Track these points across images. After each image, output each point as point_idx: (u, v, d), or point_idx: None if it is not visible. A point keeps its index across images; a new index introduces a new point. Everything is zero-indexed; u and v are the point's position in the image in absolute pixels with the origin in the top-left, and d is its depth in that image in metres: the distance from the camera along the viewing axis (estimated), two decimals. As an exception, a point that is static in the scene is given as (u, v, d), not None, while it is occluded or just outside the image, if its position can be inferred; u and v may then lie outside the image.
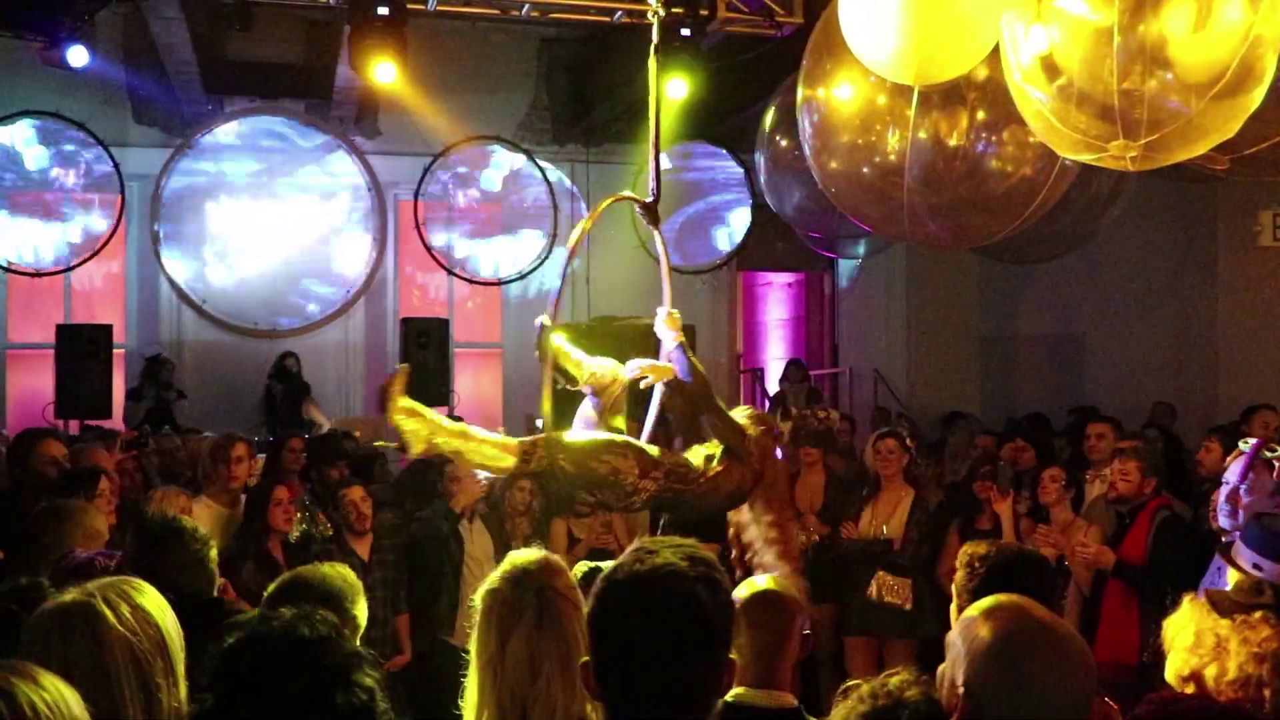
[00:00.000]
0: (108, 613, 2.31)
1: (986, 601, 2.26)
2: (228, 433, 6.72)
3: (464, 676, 2.71)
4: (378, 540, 6.54)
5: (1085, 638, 2.35)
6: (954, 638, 2.25)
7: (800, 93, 6.82)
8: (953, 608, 3.35)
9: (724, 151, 13.72)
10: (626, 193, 5.10)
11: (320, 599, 2.99)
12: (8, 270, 12.23)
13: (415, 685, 6.20)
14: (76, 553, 3.63)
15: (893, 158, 6.26)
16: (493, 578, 2.74)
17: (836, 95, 6.42)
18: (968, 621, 2.22)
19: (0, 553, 3.99)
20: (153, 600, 2.42)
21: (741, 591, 3.19)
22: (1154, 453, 6.24)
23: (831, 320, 15.20)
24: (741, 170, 13.64)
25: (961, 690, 2.15)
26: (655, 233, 4.98)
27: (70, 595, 2.36)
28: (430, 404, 11.61)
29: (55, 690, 1.88)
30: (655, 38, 5.00)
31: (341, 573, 3.31)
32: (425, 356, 11.63)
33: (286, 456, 7.66)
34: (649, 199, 4.97)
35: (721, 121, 12.71)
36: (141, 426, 10.49)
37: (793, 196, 9.19)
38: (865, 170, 6.39)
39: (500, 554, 6.79)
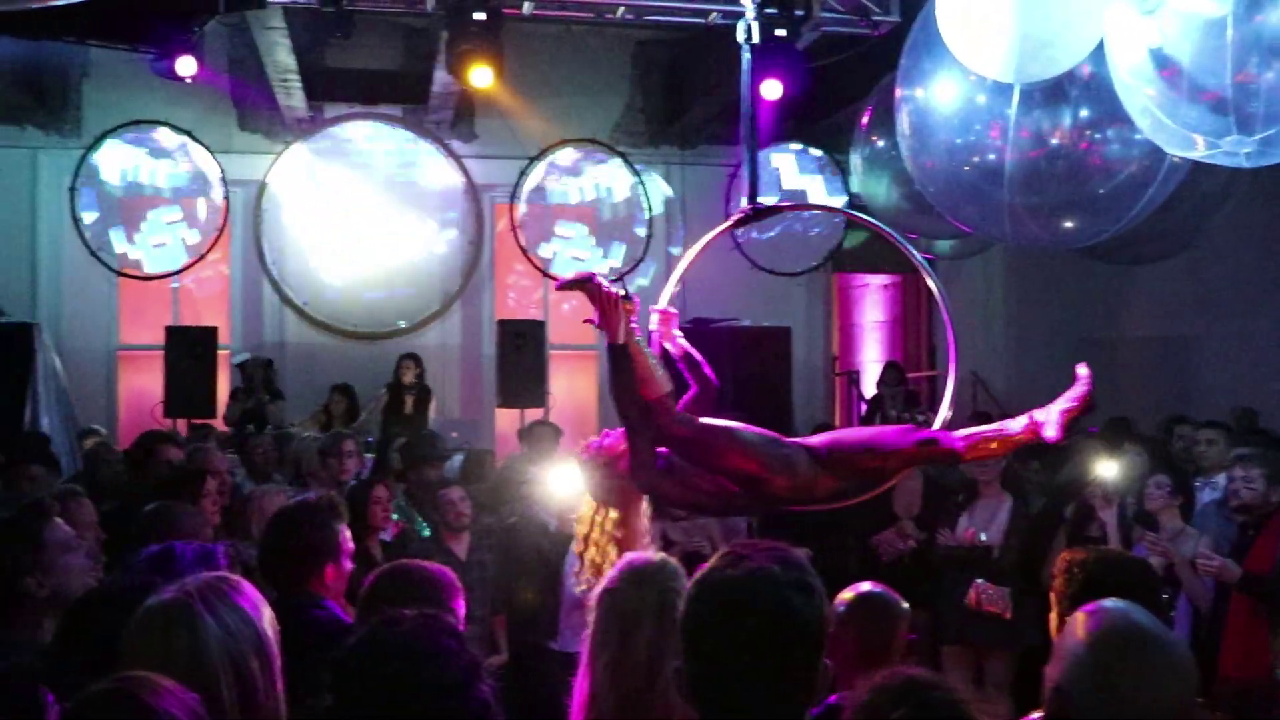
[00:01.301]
0: (204, 611, 2.35)
1: (1094, 605, 2.22)
2: (337, 430, 6.87)
3: (559, 678, 2.70)
4: (475, 540, 6.60)
5: (1203, 651, 2.28)
6: (1058, 637, 2.21)
7: (898, 92, 6.75)
8: (1052, 616, 3.27)
9: (820, 152, 13.60)
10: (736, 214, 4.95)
11: (419, 594, 3.01)
12: (119, 274, 12.58)
13: (509, 687, 6.23)
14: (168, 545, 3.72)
15: (992, 157, 6.16)
16: (611, 578, 2.73)
17: (935, 94, 6.34)
18: (1069, 621, 2.18)
19: (103, 536, 4.09)
20: (250, 598, 2.46)
21: (846, 594, 3.16)
22: (1277, 460, 5.98)
23: (929, 323, 14.99)
24: (838, 170, 13.50)
25: (1051, 688, 2.11)
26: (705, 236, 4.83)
27: (169, 594, 2.41)
28: (525, 406, 11.76)
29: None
30: (747, 37, 4.93)
31: (441, 570, 3.33)
32: (521, 358, 11.73)
33: (393, 457, 7.79)
34: (748, 204, 4.87)
35: (816, 122, 12.62)
36: (244, 426, 10.73)
37: (889, 196, 9.10)
38: (964, 170, 6.30)
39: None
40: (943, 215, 7.25)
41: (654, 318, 4.27)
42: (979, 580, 6.42)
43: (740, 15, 4.63)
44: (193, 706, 2.03)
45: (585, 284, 3.87)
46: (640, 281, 13.13)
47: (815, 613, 2.02)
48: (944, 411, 4.37)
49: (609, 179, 13.59)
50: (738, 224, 4.92)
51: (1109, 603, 2.20)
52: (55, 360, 10.84)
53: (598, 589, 2.75)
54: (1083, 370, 3.95)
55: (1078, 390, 3.88)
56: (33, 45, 10.76)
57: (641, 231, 13.50)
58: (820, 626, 2.03)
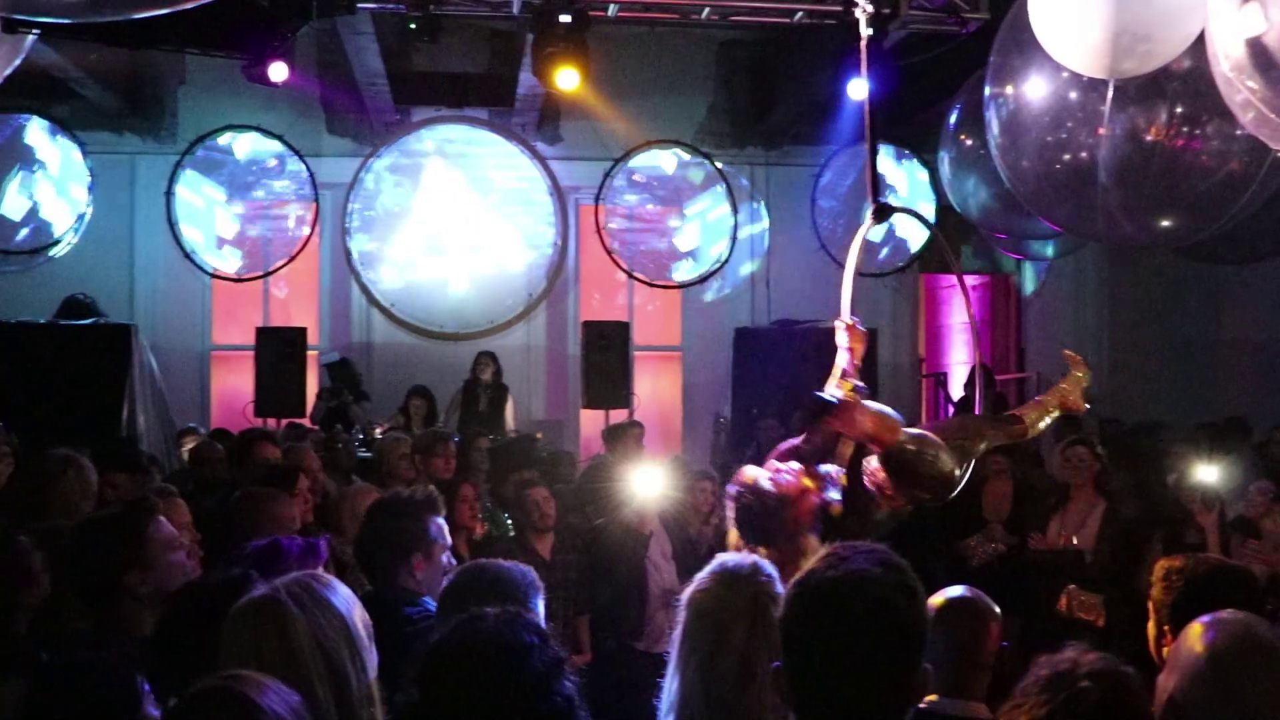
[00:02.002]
0: (292, 605, 2.40)
1: (1211, 615, 2.15)
2: (434, 430, 6.95)
3: (643, 679, 2.69)
4: (560, 540, 6.62)
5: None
6: (1173, 647, 2.15)
7: (987, 90, 6.64)
8: (1149, 625, 3.19)
9: (907, 151, 13.45)
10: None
11: (498, 592, 3.02)
12: (212, 276, 12.84)
13: (593, 687, 6.24)
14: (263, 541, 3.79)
15: (1085, 155, 6.03)
16: (702, 579, 2.71)
17: (1026, 91, 6.22)
18: (1186, 632, 2.12)
19: (198, 536, 4.17)
20: (341, 594, 2.50)
21: (936, 599, 3.11)
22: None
23: (1018, 324, 14.75)
24: (925, 170, 13.34)
25: (1166, 699, 2.06)
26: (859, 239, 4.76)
27: (259, 592, 2.45)
28: (610, 407, 11.80)
29: (274, 714, 1.96)
30: (864, 33, 4.86)
31: (521, 568, 3.33)
32: (606, 359, 11.76)
33: (474, 456, 7.86)
34: (872, 205, 4.79)
35: (903, 121, 12.48)
36: (333, 427, 10.88)
37: (978, 196, 8.97)
38: (1056, 168, 6.17)
39: (679, 557, 6.83)
40: (1034, 215, 7.12)
41: (844, 335, 4.38)
42: (1071, 586, 6.28)
43: (827, 15, 4.63)
44: (294, 705, 2.06)
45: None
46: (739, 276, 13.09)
47: (917, 614, 2.01)
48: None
49: (693, 180, 13.56)
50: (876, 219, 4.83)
51: (1227, 614, 2.15)
52: (151, 360, 11.11)
53: (689, 590, 2.73)
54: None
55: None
56: (131, 54, 11.03)
57: (725, 233, 13.45)
58: (922, 628, 2.02)
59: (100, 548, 3.43)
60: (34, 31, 6.87)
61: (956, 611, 3.17)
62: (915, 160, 13.36)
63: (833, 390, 4.16)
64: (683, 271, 13.55)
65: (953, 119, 8.85)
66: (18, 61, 6.78)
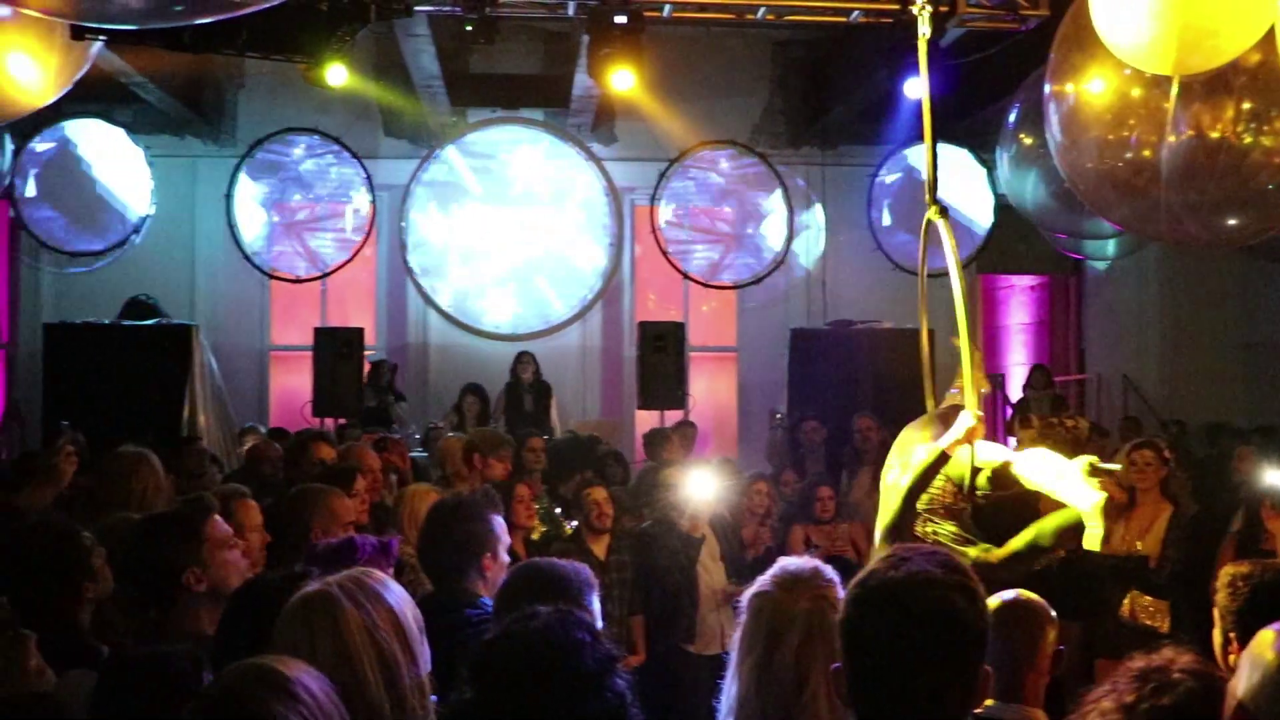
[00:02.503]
0: (345, 600, 2.43)
1: None
2: (494, 432, 7.00)
3: (696, 681, 2.68)
4: (615, 541, 6.63)
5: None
6: (1243, 654, 2.11)
7: (1047, 87, 6.56)
8: (1215, 632, 3.13)
9: (964, 150, 13.31)
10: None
11: (553, 590, 3.03)
12: (271, 277, 12.99)
13: (647, 688, 6.23)
14: (326, 539, 3.83)
15: (1148, 153, 5.94)
16: (762, 581, 2.70)
17: (1087, 89, 6.14)
18: (1257, 639, 2.08)
19: (269, 537, 4.22)
20: (394, 591, 2.53)
21: (992, 602, 3.08)
22: None
23: (1078, 324, 14.57)
24: (983, 169, 13.20)
25: (1235, 706, 2.02)
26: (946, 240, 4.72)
27: (312, 588, 2.49)
28: (665, 408, 11.79)
29: (309, 695, 1.98)
30: (922, 32, 4.81)
31: (575, 567, 3.34)
32: (661, 360, 11.75)
33: (527, 456, 7.89)
34: (931, 206, 4.75)
35: (960, 120, 12.37)
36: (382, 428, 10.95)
37: (1037, 195, 8.88)
38: (1118, 166, 6.09)
39: (729, 559, 6.82)
40: (1094, 214, 7.04)
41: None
42: (1135, 591, 6.18)
43: (884, 14, 4.61)
44: (326, 688, 2.08)
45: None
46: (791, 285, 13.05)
47: (977, 616, 1.99)
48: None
49: (748, 181, 13.52)
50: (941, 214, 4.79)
51: None
52: (211, 360, 11.27)
53: (748, 592, 2.72)
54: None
55: None
56: (192, 59, 11.18)
57: (782, 233, 13.40)
58: (983, 630, 2.00)
59: (158, 546, 3.49)
60: (100, 39, 6.99)
61: (1012, 615, 3.14)
62: (974, 158, 13.23)
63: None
64: (738, 272, 13.51)
65: (1012, 117, 8.77)
66: (85, 68, 6.91)
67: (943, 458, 4.43)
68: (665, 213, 13.29)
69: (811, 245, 13.59)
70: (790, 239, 13.35)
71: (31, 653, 2.84)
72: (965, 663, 1.96)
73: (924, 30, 4.87)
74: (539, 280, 13.39)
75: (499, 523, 3.89)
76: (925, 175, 4.82)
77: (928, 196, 4.78)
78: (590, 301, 13.40)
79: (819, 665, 2.50)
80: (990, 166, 12.65)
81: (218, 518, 3.60)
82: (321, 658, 2.31)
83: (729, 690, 2.63)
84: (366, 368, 11.80)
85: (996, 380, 14.01)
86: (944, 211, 4.75)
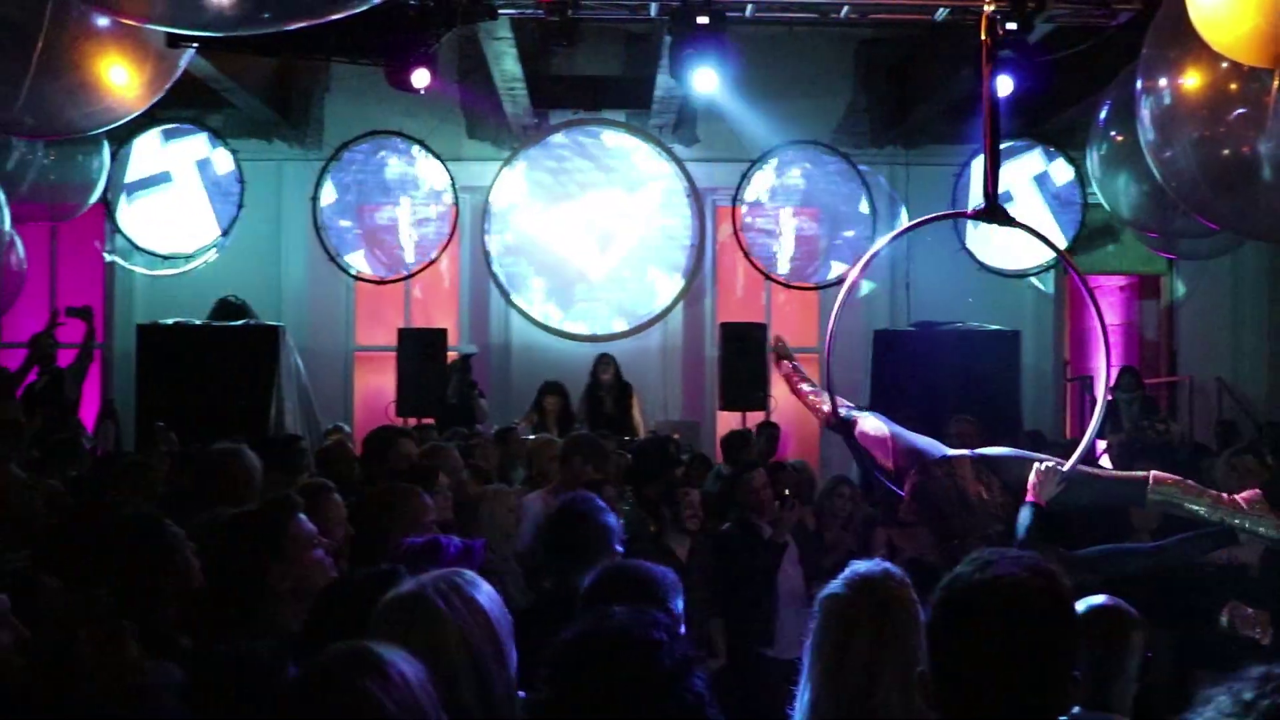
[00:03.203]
0: (440, 601, 2.44)
1: None
2: (587, 434, 7.03)
3: (773, 685, 2.68)
4: (696, 544, 6.61)
5: None
6: None
7: (1139, 83, 6.43)
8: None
9: (1051, 149, 13.10)
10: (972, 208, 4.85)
11: (639, 593, 3.03)
12: (356, 278, 13.16)
13: (725, 692, 6.20)
14: (406, 538, 3.87)
15: (1246, 149, 5.79)
16: (834, 584, 2.70)
17: (1182, 84, 6.01)
18: None
19: (352, 532, 4.27)
20: (482, 589, 2.54)
21: (1077, 607, 3.02)
22: None
23: (1169, 326, 14.25)
24: (1071, 168, 12.96)
25: None
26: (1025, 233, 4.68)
27: (407, 587, 2.50)
28: (747, 409, 11.74)
29: (400, 674, 1.99)
30: (984, 33, 4.77)
31: (662, 570, 3.34)
32: (743, 361, 11.72)
33: (613, 457, 7.89)
34: (982, 204, 4.72)
35: (1048, 118, 12.17)
36: (460, 426, 11.03)
37: (1129, 194, 8.71)
38: (1214, 163, 5.94)
39: (808, 562, 6.76)
40: (1189, 213, 6.88)
41: None
42: (1233, 601, 6.01)
43: (970, 10, 4.53)
44: (422, 676, 2.08)
45: None
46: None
47: (1066, 620, 1.98)
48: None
49: (831, 181, 13.42)
50: (972, 216, 4.75)
51: None
52: (298, 360, 11.44)
53: (820, 594, 2.73)
54: None
55: None
56: (280, 64, 11.39)
57: (864, 234, 13.28)
58: (1071, 635, 1.98)
59: (243, 544, 3.53)
60: (193, 45, 7.13)
61: (1097, 620, 3.07)
62: (1061, 158, 13.00)
63: None
64: (820, 272, 13.42)
65: (1102, 114, 8.61)
66: (177, 74, 7.06)
67: None
68: (747, 213, 13.24)
69: (895, 246, 13.44)
70: (872, 240, 13.22)
71: (130, 644, 2.90)
72: (1053, 668, 1.94)
73: (992, 33, 4.81)
74: (621, 281, 13.40)
75: (616, 523, 4.00)
76: (983, 177, 4.79)
77: (984, 199, 4.74)
78: (672, 302, 13.38)
79: (891, 667, 2.51)
80: (1078, 165, 12.44)
81: (302, 516, 3.64)
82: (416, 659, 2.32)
83: (803, 694, 2.64)
84: (450, 356, 11.93)
85: (1085, 383, 13.76)
86: (991, 215, 4.71)
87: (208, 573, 3.58)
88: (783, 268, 13.36)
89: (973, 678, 1.93)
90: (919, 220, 4.89)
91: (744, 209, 13.21)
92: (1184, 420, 12.59)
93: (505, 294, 13.26)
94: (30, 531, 4.58)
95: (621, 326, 13.28)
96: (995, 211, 4.73)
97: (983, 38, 4.85)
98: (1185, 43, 5.63)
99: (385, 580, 2.73)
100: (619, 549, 3.97)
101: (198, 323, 11.50)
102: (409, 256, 13.13)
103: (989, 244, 12.78)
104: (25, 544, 4.27)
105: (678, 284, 13.39)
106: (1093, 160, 9.09)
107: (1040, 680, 1.93)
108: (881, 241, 4.79)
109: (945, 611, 1.99)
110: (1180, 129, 5.99)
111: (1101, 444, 10.03)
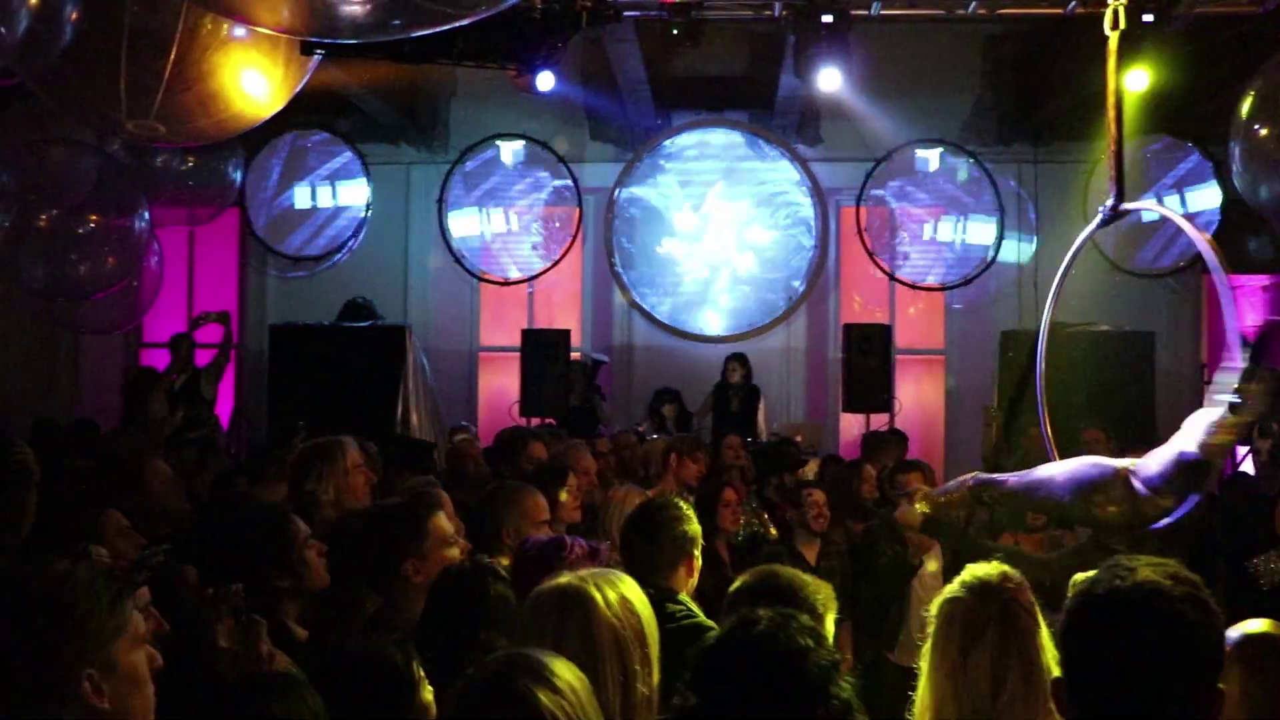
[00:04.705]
0: (598, 597, 2.45)
1: None
2: (686, 434, 7.03)
3: (894, 691, 2.65)
4: (825, 545, 6.54)
5: None
6: None
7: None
8: None
9: (1188, 144, 12.67)
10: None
11: (792, 602, 3.00)
12: (480, 280, 13.34)
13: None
14: (519, 537, 3.91)
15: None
16: (952, 588, 2.70)
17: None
18: None
19: (462, 525, 4.31)
20: (634, 591, 2.54)
21: (1233, 634, 2.87)
22: None
23: (1316, 327, 13.67)
24: (1209, 163, 12.53)
25: None
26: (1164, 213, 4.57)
27: (565, 579, 2.52)
28: (871, 411, 11.60)
29: (568, 684, 2.01)
30: (1109, 25, 4.62)
31: (818, 585, 3.30)
32: (867, 362, 11.60)
33: (726, 454, 7.88)
34: (1110, 203, 4.59)
35: (1186, 111, 11.77)
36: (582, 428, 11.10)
37: (1274, 188, 8.37)
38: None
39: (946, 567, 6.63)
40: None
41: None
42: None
43: (1102, 4, 4.39)
44: (586, 684, 2.09)
45: None
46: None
47: (1210, 630, 1.90)
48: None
49: (958, 180, 13.19)
50: (1104, 224, 4.64)
51: None
52: (424, 360, 11.64)
53: (938, 599, 2.71)
54: None
55: None
56: (408, 69, 11.59)
57: (991, 235, 13.02)
58: (1216, 645, 1.91)
59: (382, 535, 3.61)
60: (319, 52, 7.29)
61: (1252, 651, 2.86)
62: (1198, 152, 12.58)
63: None
64: (946, 273, 13.19)
65: (1245, 106, 8.29)
66: (305, 80, 7.22)
67: None
68: (871, 214, 13.08)
69: (1022, 244, 13.16)
70: (1000, 239, 12.96)
71: (263, 638, 2.97)
72: (1196, 680, 1.87)
73: (1118, 25, 4.66)
74: (744, 283, 13.36)
75: (696, 524, 4.01)
76: (1111, 175, 4.65)
77: (1110, 198, 4.61)
78: (795, 303, 13.29)
79: (1014, 669, 2.50)
80: (1219, 160, 12.01)
81: (441, 513, 3.71)
82: (567, 651, 2.33)
83: (921, 696, 2.63)
84: (575, 356, 12.04)
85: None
86: (1118, 216, 4.58)
87: (342, 566, 3.65)
88: (907, 268, 13.17)
89: (1111, 688, 1.87)
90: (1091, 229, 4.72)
91: (868, 209, 13.05)
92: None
93: (629, 296, 13.31)
94: (172, 525, 4.73)
95: (743, 328, 13.22)
96: (1122, 211, 4.58)
97: (1108, 31, 4.70)
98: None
99: (482, 572, 2.76)
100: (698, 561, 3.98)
101: (327, 323, 11.79)
102: (532, 258, 13.26)
103: (1121, 242, 12.43)
104: (167, 537, 4.41)
105: (801, 285, 13.29)
106: (1235, 154, 8.75)
107: (1183, 693, 1.86)
108: (1086, 232, 4.64)
109: (1083, 618, 1.94)
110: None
111: (1242, 449, 9.69)
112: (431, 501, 3.76)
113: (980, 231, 13.12)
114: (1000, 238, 12.96)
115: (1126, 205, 4.65)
